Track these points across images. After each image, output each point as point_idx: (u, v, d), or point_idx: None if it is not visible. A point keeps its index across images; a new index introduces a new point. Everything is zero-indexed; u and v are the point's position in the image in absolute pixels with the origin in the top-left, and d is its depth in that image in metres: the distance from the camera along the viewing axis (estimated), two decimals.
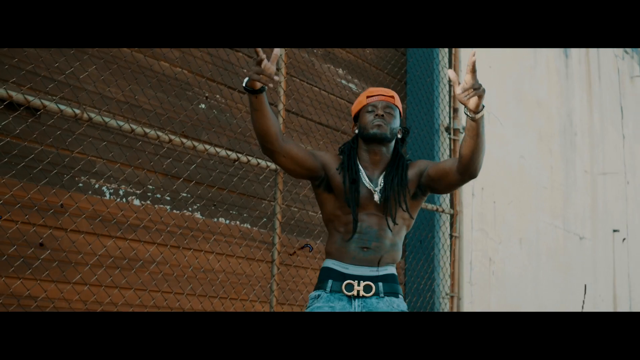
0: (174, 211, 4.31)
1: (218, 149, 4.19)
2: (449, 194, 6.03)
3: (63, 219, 3.73)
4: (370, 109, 2.72)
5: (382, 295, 2.63)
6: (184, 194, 4.38)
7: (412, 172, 2.74)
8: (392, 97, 2.79)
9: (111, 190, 4.02)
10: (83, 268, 3.76)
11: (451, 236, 5.96)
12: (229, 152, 4.25)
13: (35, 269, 3.54)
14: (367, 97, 2.76)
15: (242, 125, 4.75)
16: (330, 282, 2.64)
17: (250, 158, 4.36)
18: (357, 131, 2.77)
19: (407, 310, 2.72)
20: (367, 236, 2.64)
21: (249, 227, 4.69)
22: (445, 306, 5.93)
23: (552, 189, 7.95)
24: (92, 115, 3.61)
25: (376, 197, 2.65)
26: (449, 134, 6.15)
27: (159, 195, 4.26)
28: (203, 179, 4.43)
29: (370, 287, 2.62)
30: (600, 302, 8.76)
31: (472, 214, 6.58)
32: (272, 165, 4.48)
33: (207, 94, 4.64)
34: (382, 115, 2.69)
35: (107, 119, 3.66)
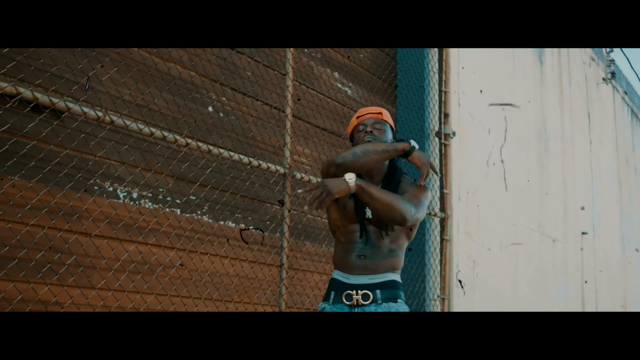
0: (184, 214, 4.29)
1: (232, 153, 4.18)
2: (439, 198, 6.12)
3: (75, 221, 3.67)
4: (360, 127, 2.93)
5: (380, 302, 2.73)
6: (193, 197, 4.36)
7: (405, 187, 2.89)
8: (380, 113, 2.98)
9: (124, 193, 3.97)
10: (105, 273, 3.72)
11: (442, 239, 6.05)
12: (242, 156, 4.24)
13: (45, 272, 3.48)
14: (357, 117, 2.97)
15: (244, 127, 4.74)
16: (332, 293, 2.79)
17: (260, 162, 4.36)
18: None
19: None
20: (363, 245, 2.79)
21: (257, 230, 4.69)
22: (436, 308, 6.01)
23: (528, 193, 8.13)
24: (115, 118, 3.57)
25: (368, 213, 2.81)
26: (440, 138, 6.23)
27: (169, 199, 4.22)
28: (209, 181, 4.41)
29: (368, 295, 2.73)
30: (570, 303, 9.00)
31: (459, 217, 6.69)
32: (281, 169, 4.49)
33: (214, 96, 4.62)
34: (371, 132, 2.89)
35: (128, 122, 3.62)
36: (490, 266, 7.15)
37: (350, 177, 2.68)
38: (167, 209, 4.19)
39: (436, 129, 6.28)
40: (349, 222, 2.83)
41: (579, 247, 9.46)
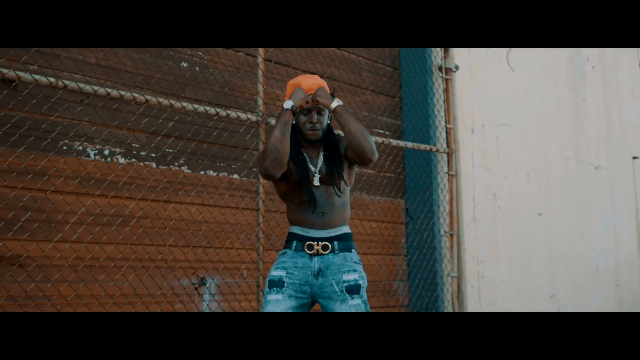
0: (160, 167, 4.52)
1: (196, 105, 4.35)
2: (444, 133, 6.10)
3: (46, 181, 3.96)
4: (305, 112, 3.13)
5: (337, 252, 3.09)
6: (169, 150, 4.57)
7: (342, 147, 3.18)
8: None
9: (95, 151, 4.23)
10: (79, 227, 4.00)
11: (448, 175, 6.04)
12: (208, 108, 4.40)
13: (17, 230, 3.80)
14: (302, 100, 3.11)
15: (219, 79, 4.89)
16: (294, 242, 3.10)
17: (229, 112, 4.51)
18: (294, 122, 3.16)
19: (358, 262, 3.12)
20: (319, 204, 3.09)
21: (235, 177, 4.88)
22: (445, 244, 6.05)
23: (560, 120, 7.91)
24: (67, 82, 3.80)
25: (315, 182, 3.10)
26: (442, 73, 6.18)
27: (143, 153, 4.46)
28: (184, 134, 4.61)
29: (327, 246, 3.08)
30: (622, 231, 8.77)
31: (473, 151, 6.63)
32: (253, 117, 4.63)
33: (188, 52, 4.79)
34: (316, 122, 3.10)
35: (82, 85, 3.84)
36: (515, 198, 7.07)
37: (339, 101, 3.05)
38: (141, 163, 4.43)
39: (440, 63, 6.22)
40: (300, 186, 3.12)
41: (630, 172, 9.14)
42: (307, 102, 3.08)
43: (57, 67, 4.08)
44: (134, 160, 4.40)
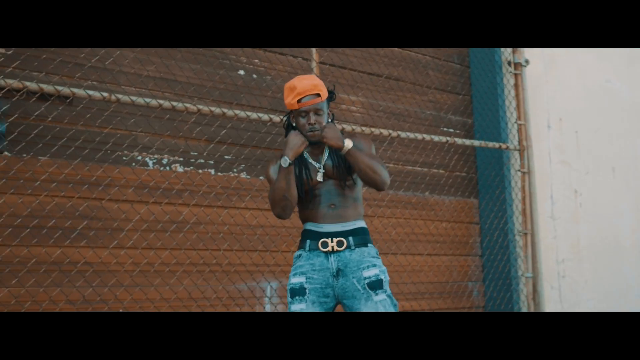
0: (218, 173, 4.64)
1: (249, 113, 4.43)
2: (516, 129, 5.92)
3: (113, 192, 4.16)
4: (302, 114, 3.06)
5: (353, 247, 3.03)
6: (227, 157, 4.69)
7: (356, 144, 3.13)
8: (319, 94, 3.07)
9: (154, 160, 4.40)
10: (134, 234, 4.18)
11: (520, 172, 5.87)
12: (261, 115, 4.48)
13: (89, 238, 4.01)
14: (298, 100, 3.05)
15: (276, 85, 4.96)
16: (308, 241, 3.05)
17: (282, 117, 4.56)
18: (294, 123, 3.13)
19: (376, 256, 3.06)
20: (330, 196, 3.07)
21: None
22: (519, 243, 5.88)
23: None
24: (120, 96, 3.97)
25: (319, 177, 3.09)
26: (511, 68, 6.00)
27: (202, 160, 4.59)
28: (237, 140, 4.71)
29: (342, 242, 3.02)
30: None
31: (549, 146, 6.41)
32: None
33: (245, 59, 4.89)
34: (315, 123, 3.04)
35: (134, 98, 4.00)
36: (599, 194, 6.77)
37: (349, 142, 3.01)
38: (199, 171, 4.56)
39: (509, 58, 6.05)
40: (311, 183, 3.10)
41: None
42: (304, 143, 3.02)
43: (110, 81, 4.27)
44: (192, 168, 4.54)
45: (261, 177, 4.83)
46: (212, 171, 4.64)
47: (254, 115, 4.43)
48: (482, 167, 6.13)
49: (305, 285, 2.97)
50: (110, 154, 4.21)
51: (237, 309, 4.55)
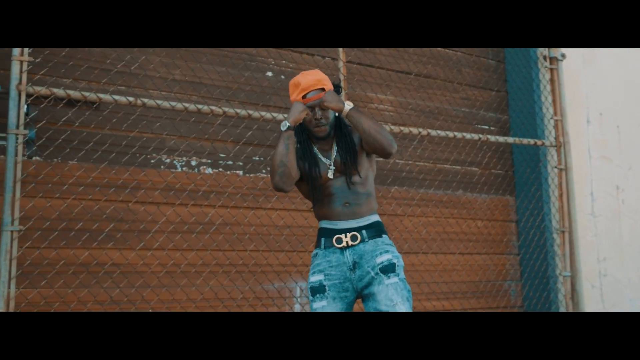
0: (247, 175, 4.67)
1: (275, 114, 4.45)
2: (552, 125, 5.80)
3: (140, 195, 4.24)
4: (309, 109, 3.07)
5: (367, 240, 3.04)
6: (255, 158, 4.72)
7: (356, 137, 3.15)
8: (323, 89, 3.08)
9: (182, 162, 4.46)
10: (161, 236, 4.25)
11: (557, 169, 5.74)
12: (286, 114, 4.48)
13: (116, 240, 4.10)
14: (303, 96, 3.06)
15: None
16: (323, 239, 3.07)
17: None
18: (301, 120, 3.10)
19: (391, 244, 3.07)
20: (343, 195, 3.06)
21: None
22: (557, 241, 5.76)
23: None
24: (145, 100, 4.04)
25: (330, 174, 3.08)
26: (547, 63, 5.88)
27: (230, 162, 4.64)
28: (263, 141, 4.73)
29: (356, 236, 3.04)
30: None
31: (589, 142, 6.26)
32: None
33: (273, 61, 4.92)
34: (321, 118, 3.06)
35: (160, 102, 4.06)
36: None
37: (349, 103, 3.02)
38: (228, 172, 4.60)
39: (544, 53, 5.93)
40: (321, 184, 3.10)
41: None
42: (307, 113, 3.05)
43: (136, 85, 4.35)
44: (220, 169, 4.59)
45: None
46: (240, 172, 4.68)
47: (279, 116, 4.45)
48: (519, 164, 6.03)
49: (325, 283, 2.98)
50: (137, 157, 4.29)
51: (264, 310, 4.58)
